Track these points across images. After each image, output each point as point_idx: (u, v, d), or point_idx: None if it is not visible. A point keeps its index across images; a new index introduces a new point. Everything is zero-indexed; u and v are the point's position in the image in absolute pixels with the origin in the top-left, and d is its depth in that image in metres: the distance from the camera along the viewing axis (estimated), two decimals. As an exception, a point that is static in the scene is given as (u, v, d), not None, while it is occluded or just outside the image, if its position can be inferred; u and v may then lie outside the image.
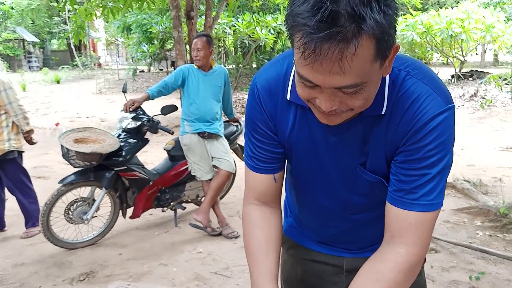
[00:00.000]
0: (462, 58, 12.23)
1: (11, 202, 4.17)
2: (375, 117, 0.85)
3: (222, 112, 3.57)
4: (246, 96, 11.25)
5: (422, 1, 13.94)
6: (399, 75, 0.83)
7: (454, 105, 0.83)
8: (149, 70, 18.50)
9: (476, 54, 18.51)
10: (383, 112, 0.84)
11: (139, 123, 3.31)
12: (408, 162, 0.84)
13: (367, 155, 0.89)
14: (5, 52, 21.35)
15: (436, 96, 0.81)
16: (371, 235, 1.05)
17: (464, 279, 2.65)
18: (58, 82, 16.15)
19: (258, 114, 0.95)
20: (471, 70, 12.49)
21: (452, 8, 12.67)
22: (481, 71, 12.44)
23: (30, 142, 3.48)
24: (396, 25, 0.71)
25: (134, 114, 3.32)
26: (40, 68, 21.13)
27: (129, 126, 3.32)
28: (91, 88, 14.26)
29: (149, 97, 3.33)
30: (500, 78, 10.36)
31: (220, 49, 13.68)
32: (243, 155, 4.10)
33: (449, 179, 4.54)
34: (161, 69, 18.06)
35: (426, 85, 0.82)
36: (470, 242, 3.18)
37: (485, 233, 3.38)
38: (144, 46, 14.94)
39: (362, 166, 0.91)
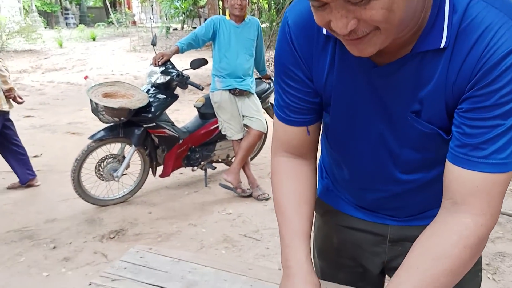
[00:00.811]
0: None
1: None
2: (433, 53, 0.67)
3: (254, 68, 3.37)
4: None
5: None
6: None
7: None
8: (182, 28, 18.28)
9: None
10: (442, 46, 0.65)
11: (168, 77, 3.17)
12: (476, 111, 0.66)
13: (422, 102, 0.71)
14: (43, 8, 21.65)
15: None
16: (424, 201, 0.88)
17: (510, 250, 2.44)
18: (93, 39, 16.28)
19: (290, 56, 0.78)
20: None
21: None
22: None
23: (15, 100, 3.38)
24: None
25: (163, 68, 3.18)
26: (77, 25, 21.36)
27: (158, 81, 3.19)
28: (125, 45, 14.28)
29: (179, 50, 3.17)
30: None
31: (254, 6, 13.19)
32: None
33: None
34: (194, 27, 17.79)
35: (499, 11, 0.63)
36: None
37: (536, 203, 3.11)
38: (177, 2, 14.65)
39: (414, 115, 0.73)
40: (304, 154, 0.89)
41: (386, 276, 1.05)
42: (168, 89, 3.24)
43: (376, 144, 0.82)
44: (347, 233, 1.00)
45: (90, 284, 0.92)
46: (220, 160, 3.67)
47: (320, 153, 1.00)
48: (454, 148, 0.70)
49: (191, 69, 3.28)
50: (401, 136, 0.78)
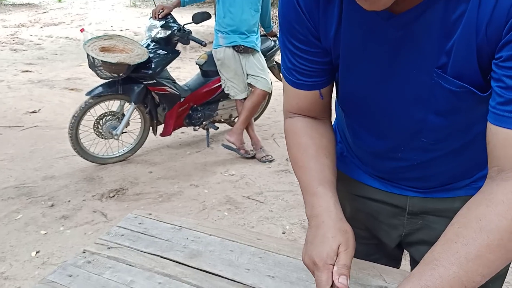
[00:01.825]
0: None
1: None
2: None
3: (259, 24, 3.19)
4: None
5: None
6: None
7: None
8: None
9: None
10: None
11: (169, 32, 3.00)
12: None
13: (449, 54, 0.60)
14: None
15: None
16: (451, 171, 0.79)
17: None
18: (92, -7, 15.71)
19: (295, 14, 0.69)
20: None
21: None
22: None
23: None
24: None
25: (164, 22, 3.00)
26: (75, -22, 20.55)
27: (158, 36, 3.02)
28: (125, 1, 13.81)
29: (180, 3, 3.00)
30: None
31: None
32: (280, 70, 3.82)
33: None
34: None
35: None
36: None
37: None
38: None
39: (440, 70, 0.62)
40: (318, 116, 0.81)
41: (404, 251, 0.97)
42: (169, 44, 3.08)
43: (395, 109, 0.71)
44: (361, 202, 0.91)
45: (84, 252, 0.84)
46: (222, 120, 3.56)
47: (335, 116, 0.90)
48: (496, 107, 0.58)
49: (193, 24, 3.10)
50: (425, 99, 0.67)
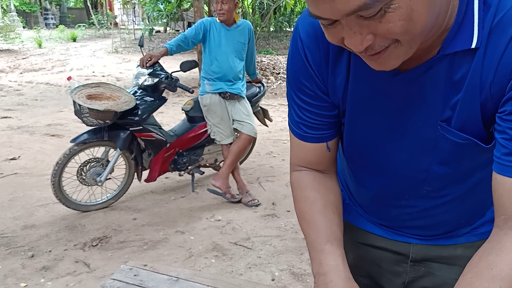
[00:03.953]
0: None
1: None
2: (463, 54, 0.60)
3: (245, 72, 3.30)
4: (264, 60, 10.86)
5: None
6: None
7: None
8: (165, 31, 18.10)
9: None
10: (473, 46, 0.59)
11: (156, 80, 3.06)
12: None
13: (454, 108, 0.64)
14: (22, 8, 21.09)
15: None
16: (452, 219, 0.81)
17: None
18: (74, 40, 15.91)
19: (303, 70, 0.72)
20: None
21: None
22: None
23: None
24: None
25: (151, 70, 3.06)
26: (57, 26, 20.85)
27: (145, 83, 3.07)
28: (107, 47, 14.00)
29: (168, 52, 3.07)
30: None
31: (238, 10, 13.15)
32: (265, 119, 3.89)
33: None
34: (177, 30, 17.65)
35: None
36: None
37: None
38: (161, 4, 14.50)
39: (445, 123, 0.66)
40: (324, 169, 0.83)
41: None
42: (156, 91, 3.13)
43: (400, 159, 0.74)
44: (364, 250, 0.92)
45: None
46: (208, 164, 3.57)
47: (338, 163, 0.94)
48: (501, 157, 0.62)
49: (181, 72, 3.18)
50: (429, 150, 0.70)
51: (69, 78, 3.07)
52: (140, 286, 0.89)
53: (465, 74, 0.61)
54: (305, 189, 0.80)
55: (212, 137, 3.27)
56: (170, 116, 5.85)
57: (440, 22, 0.58)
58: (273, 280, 2.28)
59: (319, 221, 0.76)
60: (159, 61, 3.10)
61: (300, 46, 0.71)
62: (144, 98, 3.05)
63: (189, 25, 14.74)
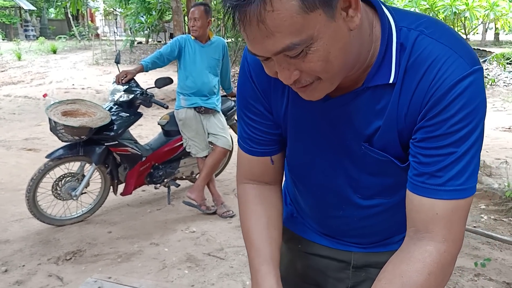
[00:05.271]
0: (464, 36, 11.97)
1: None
2: (384, 87, 0.71)
3: (220, 86, 3.40)
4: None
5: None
6: (408, 35, 0.69)
7: (482, 67, 0.68)
8: (147, 42, 18.13)
9: (477, 33, 18.28)
10: (391, 81, 0.70)
11: (131, 96, 3.13)
12: (429, 140, 0.69)
13: (376, 132, 0.75)
14: (1, 20, 20.83)
15: (457, 57, 0.66)
16: (387, 227, 0.91)
17: (469, 265, 2.54)
18: (54, 52, 15.78)
19: (250, 91, 0.82)
20: (474, 49, 12.30)
21: (458, -16, 12.31)
22: (483, 50, 12.20)
23: None
24: None
25: (127, 87, 3.13)
26: (37, 37, 20.64)
27: (121, 99, 3.14)
28: (88, 59, 13.93)
29: (143, 69, 3.15)
30: (503, 57, 10.14)
31: (219, 22, 13.30)
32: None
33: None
34: (159, 41, 17.71)
35: (444, 45, 0.67)
36: (474, 226, 3.07)
37: (489, 217, 3.27)
38: (142, 17, 14.58)
39: (368, 144, 0.77)
40: (269, 181, 0.91)
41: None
42: (132, 107, 3.19)
43: (334, 172, 0.84)
44: (311, 259, 1.01)
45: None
46: (184, 177, 3.63)
47: (284, 179, 1.04)
48: (412, 177, 0.73)
49: (156, 88, 3.26)
50: (358, 162, 0.81)
51: (45, 95, 3.12)
52: (103, 297, 0.96)
53: (386, 105, 0.72)
54: (250, 204, 0.89)
55: (187, 150, 3.35)
56: (149, 129, 5.90)
57: (363, 60, 0.69)
58: (243, 289, 2.35)
59: (260, 239, 0.85)
60: (134, 77, 3.17)
61: (247, 70, 0.82)
62: (119, 114, 3.11)
63: (171, 36, 14.81)
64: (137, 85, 3.20)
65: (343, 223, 0.92)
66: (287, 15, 0.57)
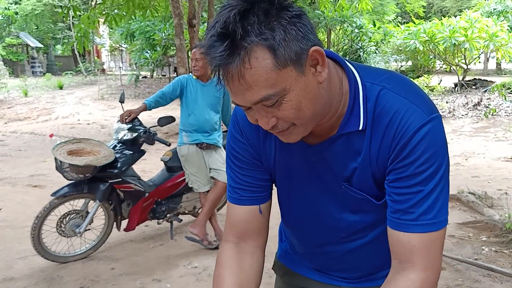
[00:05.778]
0: (465, 67, 12.18)
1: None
2: (355, 134, 0.81)
3: (221, 122, 3.50)
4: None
5: (424, 10, 13.93)
6: (372, 89, 0.79)
7: (439, 114, 0.78)
8: (151, 76, 18.53)
9: (479, 62, 18.55)
10: (360, 128, 0.80)
11: (135, 134, 3.23)
12: (399, 181, 0.79)
13: (353, 172, 0.84)
14: (8, 57, 21.43)
15: (415, 108, 0.76)
16: (369, 263, 0.98)
17: (469, 298, 2.54)
18: (60, 87, 16.17)
19: (241, 144, 0.92)
20: (475, 79, 12.45)
21: (455, 16, 12.63)
22: (484, 80, 12.39)
23: None
24: (306, 30, 0.70)
25: (130, 125, 3.24)
26: (44, 74, 21.19)
27: (125, 138, 3.24)
28: (93, 94, 14.25)
29: (146, 108, 3.26)
30: (504, 87, 10.29)
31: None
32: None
33: (454, 191, 4.43)
34: (164, 75, 18.09)
35: (404, 98, 0.77)
36: (475, 259, 3.07)
37: (491, 249, 3.27)
38: (147, 52, 14.98)
39: (347, 183, 0.86)
40: (253, 238, 0.95)
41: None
42: (135, 145, 3.28)
43: (318, 213, 0.93)
44: None
45: None
46: (186, 212, 3.68)
47: (281, 218, 1.10)
48: (389, 214, 0.82)
49: (159, 126, 3.36)
50: (339, 202, 0.89)
51: (51, 135, 3.24)
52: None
53: (360, 149, 0.82)
54: (222, 268, 0.92)
55: (190, 185, 3.41)
56: (152, 163, 5.98)
57: (335, 109, 0.80)
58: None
59: None
60: (138, 116, 3.29)
61: (237, 124, 0.92)
62: (123, 152, 3.21)
63: (175, 70, 15.16)
64: (140, 124, 3.31)
65: (329, 258, 1.00)
66: (263, 71, 0.67)
